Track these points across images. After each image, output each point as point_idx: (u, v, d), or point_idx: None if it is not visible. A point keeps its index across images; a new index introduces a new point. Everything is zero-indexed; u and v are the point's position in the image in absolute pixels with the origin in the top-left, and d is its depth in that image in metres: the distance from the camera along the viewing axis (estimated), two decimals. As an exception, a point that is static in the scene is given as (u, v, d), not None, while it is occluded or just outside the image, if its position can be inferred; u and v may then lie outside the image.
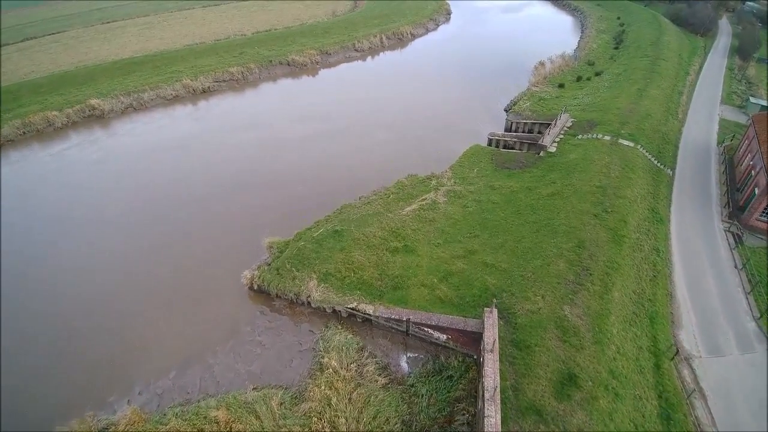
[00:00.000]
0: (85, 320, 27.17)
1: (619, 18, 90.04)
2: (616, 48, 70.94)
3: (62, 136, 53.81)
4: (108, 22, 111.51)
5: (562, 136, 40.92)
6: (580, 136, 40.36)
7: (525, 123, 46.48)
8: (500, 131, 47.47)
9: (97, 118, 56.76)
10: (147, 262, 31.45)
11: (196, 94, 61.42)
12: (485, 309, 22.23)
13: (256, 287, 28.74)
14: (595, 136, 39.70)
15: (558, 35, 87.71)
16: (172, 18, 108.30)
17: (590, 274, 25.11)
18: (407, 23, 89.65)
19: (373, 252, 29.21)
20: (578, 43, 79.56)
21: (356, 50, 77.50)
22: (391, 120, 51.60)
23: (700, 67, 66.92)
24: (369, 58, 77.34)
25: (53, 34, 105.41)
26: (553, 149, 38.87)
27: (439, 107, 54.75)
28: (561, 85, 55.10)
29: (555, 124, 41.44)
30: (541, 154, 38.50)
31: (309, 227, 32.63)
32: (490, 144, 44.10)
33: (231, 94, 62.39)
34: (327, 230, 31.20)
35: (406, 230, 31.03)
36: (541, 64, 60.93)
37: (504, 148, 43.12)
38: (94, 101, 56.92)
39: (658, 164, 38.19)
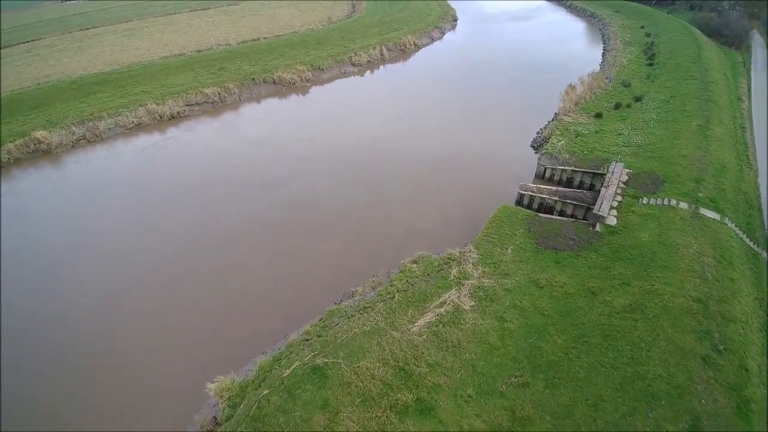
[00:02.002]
0: None
1: (643, 27, 78.71)
2: (650, 64, 59.78)
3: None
4: (87, 29, 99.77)
5: (619, 198, 30.10)
6: (645, 201, 29.53)
7: (563, 170, 35.68)
8: (531, 180, 36.79)
9: (44, 153, 45.71)
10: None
11: (163, 121, 50.31)
12: None
13: (191, 475, 18.18)
14: (666, 202, 28.88)
15: (577, 46, 76.56)
16: (155, 24, 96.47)
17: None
18: (410, 32, 78.23)
19: (371, 412, 18.57)
20: (603, 56, 68.41)
21: (353, 64, 66.20)
22: (391, 160, 40.65)
23: (748, 89, 56.02)
24: (368, 73, 66.09)
25: (28, 42, 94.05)
26: (612, 220, 28.09)
27: (452, 140, 43.88)
28: (598, 115, 44.13)
29: (609, 180, 30.59)
30: (597, 228, 27.71)
31: (278, 354, 21.95)
32: (520, 202, 33.32)
33: (204, 120, 51.24)
34: (303, 365, 20.50)
35: (419, 365, 20.34)
36: (572, 87, 49.83)
37: (541, 209, 32.35)
38: (39, 134, 45.76)
39: (753, 245, 27.49)
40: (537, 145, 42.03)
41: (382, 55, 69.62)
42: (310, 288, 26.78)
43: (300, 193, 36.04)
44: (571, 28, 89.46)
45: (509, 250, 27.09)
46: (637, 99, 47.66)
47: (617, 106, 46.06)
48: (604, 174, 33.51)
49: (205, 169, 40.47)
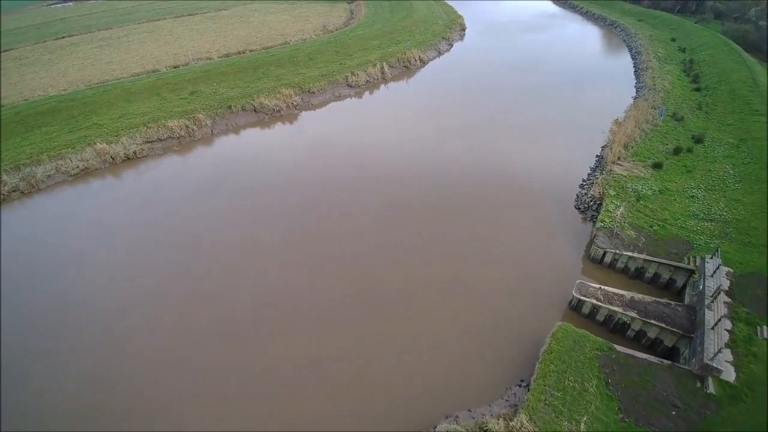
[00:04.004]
0: None
1: (674, 40, 67.91)
2: (697, 89, 49.34)
3: None
4: (63, 37, 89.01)
5: (728, 326, 19.99)
6: (765, 332, 19.42)
7: (630, 257, 25.49)
8: (580, 261, 26.66)
9: (-36, 209, 35.50)
10: None
11: (116, 164, 39.89)
12: None
13: None
14: (808, 339, 18.78)
15: (604, 62, 65.82)
16: (135, 32, 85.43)
17: None
18: (414, 44, 67.40)
19: None
20: (636, 74, 57.78)
21: (349, 85, 55.65)
22: (387, 241, 29.53)
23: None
24: (366, 96, 55.49)
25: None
26: (729, 372, 18.02)
27: (470, 196, 33.45)
28: (657, 165, 33.89)
29: (710, 293, 20.41)
30: (709, 387, 17.63)
31: None
32: (578, 308, 23.25)
33: (164, 161, 40.66)
34: None
35: None
36: (617, 124, 39.50)
37: (608, 322, 22.31)
38: (-42, 183, 35.60)
39: None
40: (584, 207, 31.73)
41: (383, 73, 58.91)
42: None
43: (242, 301, 25.81)
44: (593, 40, 78.45)
45: (582, 426, 17.01)
46: (698, 140, 37.33)
47: (677, 150, 35.76)
48: (693, 270, 23.43)
49: (121, 250, 30.21)
